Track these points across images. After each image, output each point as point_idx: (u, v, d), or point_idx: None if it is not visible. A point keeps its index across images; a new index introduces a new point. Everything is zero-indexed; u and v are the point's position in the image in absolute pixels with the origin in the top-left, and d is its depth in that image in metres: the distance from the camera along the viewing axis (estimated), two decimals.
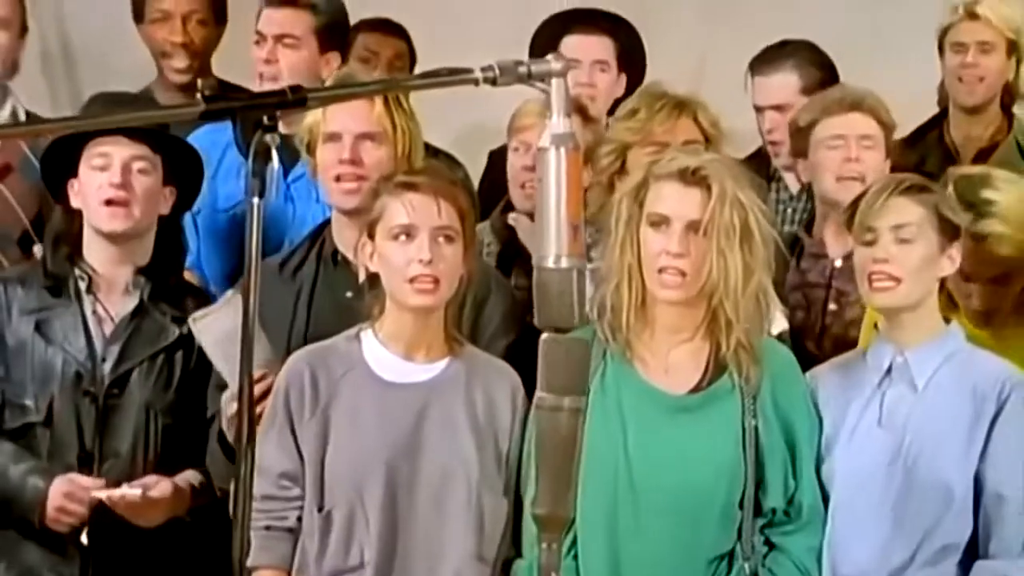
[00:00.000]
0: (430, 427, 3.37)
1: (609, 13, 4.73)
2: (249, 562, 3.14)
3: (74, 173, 3.73)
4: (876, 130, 4.01)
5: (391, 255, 3.35)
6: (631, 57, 4.67)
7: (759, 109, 4.57)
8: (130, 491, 3.56)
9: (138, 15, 4.85)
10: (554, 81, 2.30)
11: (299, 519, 3.38)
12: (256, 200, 2.22)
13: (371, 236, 3.39)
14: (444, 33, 5.17)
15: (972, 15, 4.63)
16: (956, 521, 3.34)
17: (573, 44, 4.59)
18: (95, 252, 3.75)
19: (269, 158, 2.21)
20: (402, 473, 3.35)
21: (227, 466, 3.49)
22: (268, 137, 2.21)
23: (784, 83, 4.53)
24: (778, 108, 4.49)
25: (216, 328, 3.43)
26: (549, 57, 2.39)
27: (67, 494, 3.60)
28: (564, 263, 2.26)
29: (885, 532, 3.37)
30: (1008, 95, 4.70)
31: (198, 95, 2.26)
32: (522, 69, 2.30)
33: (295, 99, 2.26)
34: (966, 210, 3.58)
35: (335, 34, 4.37)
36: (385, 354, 3.40)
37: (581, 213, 2.30)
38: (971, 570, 3.34)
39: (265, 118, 2.22)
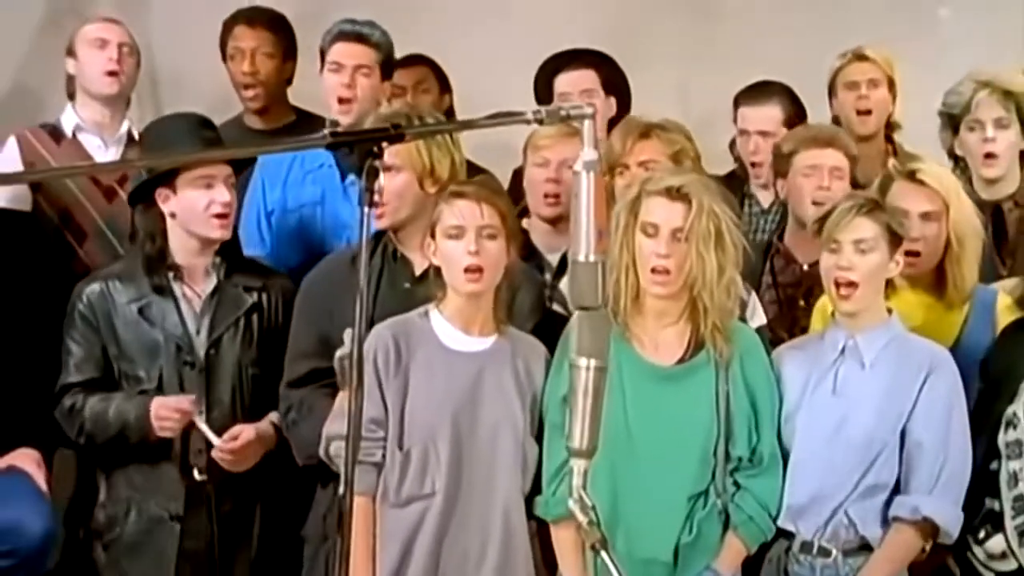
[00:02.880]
0: (485, 387, 3.85)
1: (591, 50, 5.16)
2: (342, 489, 3.59)
3: (166, 183, 4.20)
4: (844, 163, 4.51)
5: (447, 251, 3.83)
6: (614, 83, 5.07)
7: (745, 133, 5.07)
8: (220, 440, 4.15)
9: (223, 54, 5.34)
10: (586, 122, 2.72)
11: (383, 456, 3.82)
12: (367, 209, 2.65)
13: (433, 236, 3.86)
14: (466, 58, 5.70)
15: (861, 57, 5.19)
16: (885, 466, 3.81)
17: (564, 80, 5.06)
18: (182, 248, 4.27)
19: (377, 176, 2.64)
20: (464, 422, 3.82)
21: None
22: (377, 163, 2.64)
23: (770, 114, 5.05)
24: (763, 134, 5.00)
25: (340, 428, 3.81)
26: (583, 103, 2.98)
27: (162, 406, 4.18)
28: (592, 258, 2.67)
29: (833, 478, 3.83)
30: (889, 126, 5.24)
31: (326, 131, 2.83)
32: (563, 113, 2.71)
33: (396, 134, 2.71)
34: (903, 166, 4.21)
35: (390, 66, 4.88)
36: (449, 328, 3.87)
37: (605, 220, 2.83)
38: (892, 503, 3.81)
39: (374, 148, 2.65)
